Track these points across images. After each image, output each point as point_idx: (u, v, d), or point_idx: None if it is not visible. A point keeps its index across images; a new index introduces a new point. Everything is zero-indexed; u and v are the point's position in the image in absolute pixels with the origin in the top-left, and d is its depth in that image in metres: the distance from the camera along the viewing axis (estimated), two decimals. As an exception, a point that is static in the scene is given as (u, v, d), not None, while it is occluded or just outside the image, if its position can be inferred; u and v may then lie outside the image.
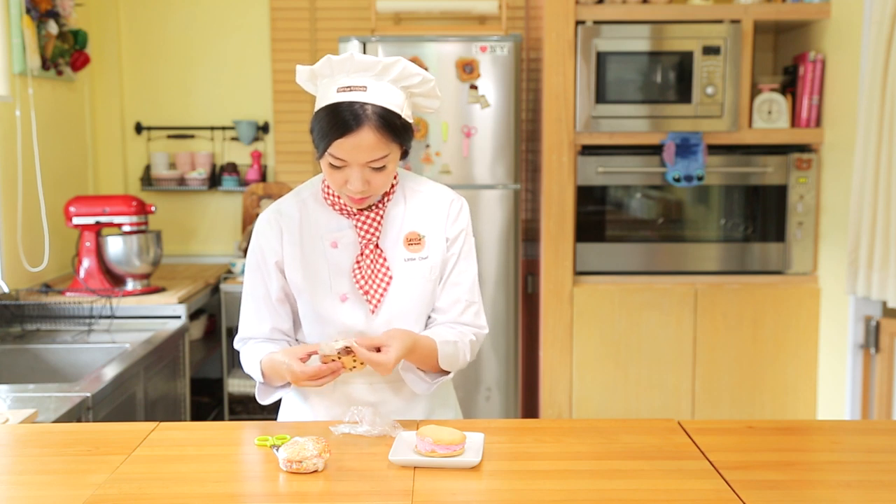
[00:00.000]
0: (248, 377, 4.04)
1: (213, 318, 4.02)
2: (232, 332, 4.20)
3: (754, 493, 1.40)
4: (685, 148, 3.45)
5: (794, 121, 3.55)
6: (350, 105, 1.62)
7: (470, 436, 1.59)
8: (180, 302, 3.26)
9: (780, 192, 3.54)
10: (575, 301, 3.52)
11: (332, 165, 1.67)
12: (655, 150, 3.51)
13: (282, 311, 1.81)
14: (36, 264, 3.37)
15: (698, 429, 1.71)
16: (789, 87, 3.59)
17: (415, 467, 1.50)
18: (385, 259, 1.77)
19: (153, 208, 3.38)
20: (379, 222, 1.76)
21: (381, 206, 1.77)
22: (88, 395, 2.28)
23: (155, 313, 3.22)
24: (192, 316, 3.66)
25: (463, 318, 1.81)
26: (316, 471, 1.48)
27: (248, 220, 4.16)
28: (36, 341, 2.94)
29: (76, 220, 3.27)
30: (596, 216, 3.56)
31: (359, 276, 1.75)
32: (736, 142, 3.51)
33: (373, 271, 1.76)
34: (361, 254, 1.76)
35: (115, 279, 3.35)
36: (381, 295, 1.75)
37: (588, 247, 3.56)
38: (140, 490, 1.42)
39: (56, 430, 1.79)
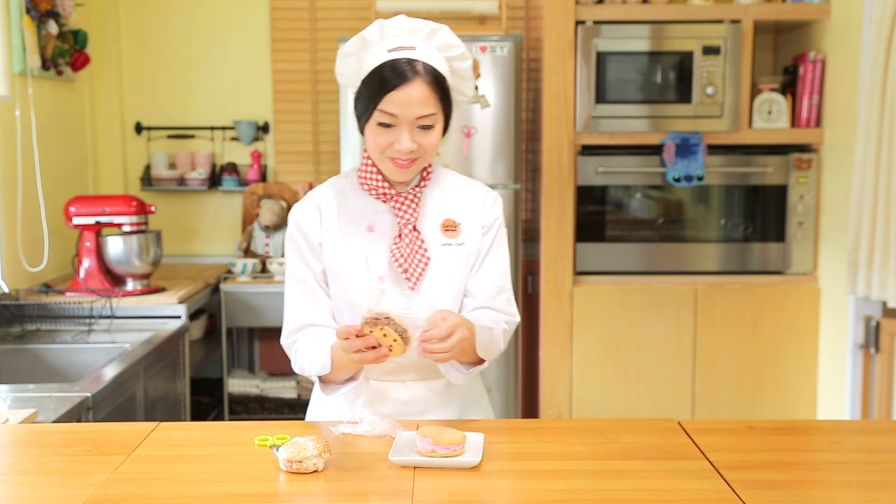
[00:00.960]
0: (249, 377, 4.04)
1: (213, 318, 4.02)
2: (231, 332, 4.21)
3: (754, 493, 1.40)
4: (685, 148, 3.45)
5: (794, 121, 3.55)
6: (401, 60, 1.66)
7: (470, 436, 1.59)
8: (180, 302, 3.26)
9: (780, 192, 3.54)
10: (575, 301, 3.52)
11: (380, 125, 1.68)
12: (655, 150, 3.51)
13: (329, 293, 1.81)
14: (36, 264, 3.37)
15: (698, 429, 1.71)
16: (789, 87, 3.59)
17: (415, 467, 1.50)
18: (423, 241, 1.77)
19: (153, 208, 3.38)
20: (417, 205, 1.77)
21: (417, 189, 1.78)
22: (88, 395, 2.28)
23: (155, 313, 3.22)
24: (192, 316, 3.66)
25: (495, 303, 1.80)
26: (316, 471, 1.48)
27: (248, 220, 4.16)
28: (36, 341, 2.94)
29: (76, 220, 3.27)
30: (596, 216, 3.56)
31: (397, 255, 1.74)
32: (736, 142, 3.51)
33: (411, 251, 1.75)
34: (399, 235, 1.76)
35: (115, 279, 3.35)
36: (420, 274, 1.74)
37: (588, 247, 3.56)
38: (140, 490, 1.42)
39: (56, 430, 1.79)
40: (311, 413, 1.92)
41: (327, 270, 1.79)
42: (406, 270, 1.74)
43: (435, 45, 1.71)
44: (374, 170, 1.77)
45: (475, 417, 1.87)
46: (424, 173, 1.80)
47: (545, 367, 3.54)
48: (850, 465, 1.54)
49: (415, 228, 1.77)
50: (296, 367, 1.80)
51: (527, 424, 1.76)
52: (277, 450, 1.53)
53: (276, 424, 1.74)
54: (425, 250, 1.76)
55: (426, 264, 1.75)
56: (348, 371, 1.71)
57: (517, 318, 1.85)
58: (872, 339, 3.18)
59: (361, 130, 1.74)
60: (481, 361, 1.77)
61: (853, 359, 3.26)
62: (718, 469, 1.50)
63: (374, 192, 1.78)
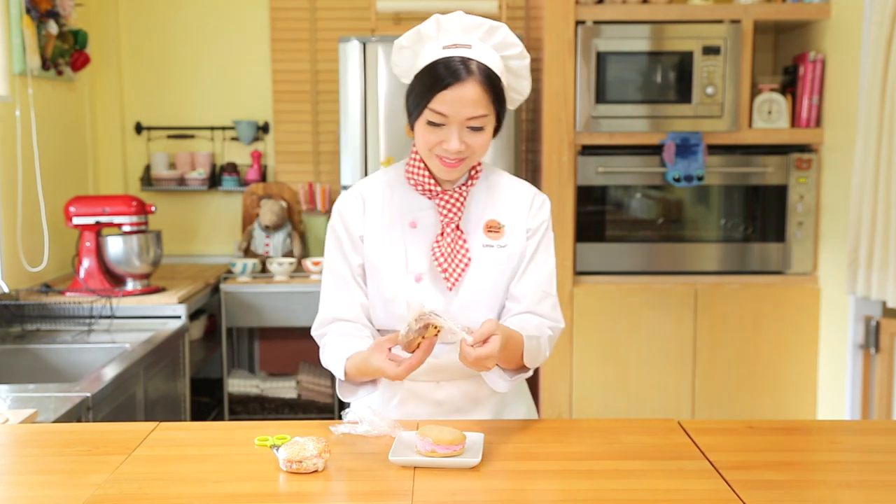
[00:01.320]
0: (249, 377, 4.04)
1: (213, 318, 4.02)
2: (231, 332, 4.21)
3: (754, 493, 1.40)
4: (685, 148, 3.45)
5: (794, 121, 3.55)
6: (456, 59, 1.63)
7: (470, 436, 1.58)
8: (180, 302, 3.26)
9: (780, 192, 3.54)
10: (575, 301, 3.52)
11: (429, 124, 1.65)
12: (655, 150, 3.51)
13: (364, 291, 1.79)
14: (36, 264, 3.36)
15: (698, 429, 1.71)
16: (789, 87, 3.59)
17: (415, 467, 1.50)
18: (465, 241, 1.74)
19: (153, 208, 3.38)
20: (462, 203, 1.74)
21: (464, 188, 1.75)
22: (88, 395, 2.28)
23: (155, 313, 3.22)
24: (192, 316, 3.66)
25: (539, 308, 1.78)
26: (316, 471, 1.48)
27: (248, 220, 4.16)
28: (36, 341, 2.94)
29: (76, 220, 3.27)
30: (596, 216, 3.56)
31: (438, 254, 1.72)
32: (736, 142, 3.51)
33: (452, 250, 1.73)
34: (442, 233, 1.74)
35: (115, 279, 3.35)
36: (460, 274, 1.72)
37: (588, 247, 3.56)
38: (140, 490, 1.42)
39: (56, 430, 1.79)
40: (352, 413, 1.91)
41: (366, 264, 1.77)
42: (445, 270, 1.72)
43: (492, 44, 1.68)
44: (422, 165, 1.74)
45: (514, 417, 1.84)
46: (473, 172, 1.77)
47: (545, 368, 3.54)
48: (850, 465, 1.54)
49: (458, 227, 1.74)
50: (322, 361, 1.79)
51: (527, 424, 1.76)
52: (277, 450, 1.53)
53: (276, 424, 1.74)
54: (466, 250, 1.74)
55: (466, 265, 1.73)
56: (367, 377, 1.70)
57: (562, 325, 1.82)
58: (872, 339, 3.18)
59: (411, 126, 1.71)
60: (525, 368, 1.75)
61: (853, 359, 3.26)
62: (718, 469, 1.50)
63: (419, 187, 1.75)
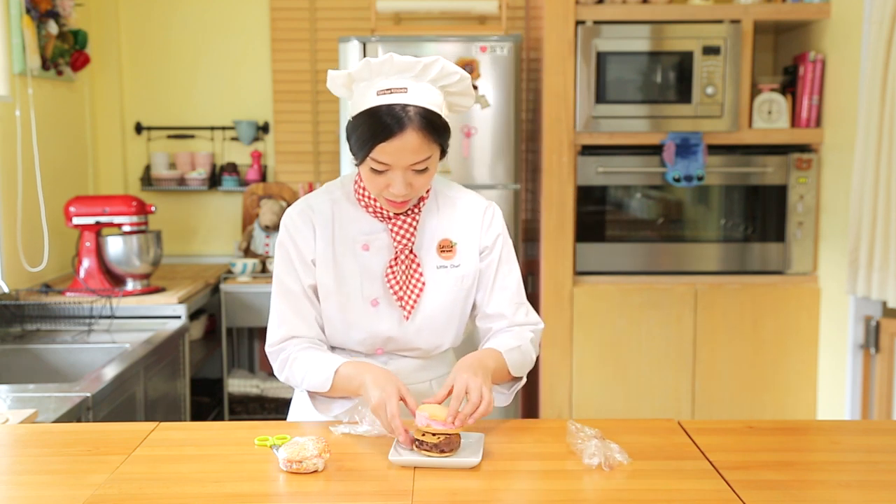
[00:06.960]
0: (249, 377, 4.04)
1: (213, 318, 4.02)
2: (231, 332, 4.21)
3: (754, 493, 1.40)
4: (685, 148, 3.45)
5: (794, 121, 3.55)
6: (392, 108, 1.58)
7: (470, 436, 1.59)
8: (180, 302, 3.26)
9: (780, 192, 3.54)
10: (575, 301, 3.52)
11: (373, 170, 1.62)
12: (655, 150, 3.51)
13: (317, 309, 1.77)
14: (36, 264, 3.36)
15: (698, 429, 1.71)
16: (789, 87, 3.59)
17: (415, 467, 1.50)
18: (419, 265, 1.74)
19: (153, 208, 3.38)
20: (414, 228, 1.73)
21: (415, 211, 1.73)
22: (88, 395, 2.28)
23: (155, 313, 3.22)
24: (192, 316, 3.66)
25: (516, 319, 1.80)
26: (316, 471, 1.48)
27: (248, 220, 4.16)
28: (36, 341, 2.94)
29: (76, 220, 3.27)
30: (596, 216, 3.56)
31: (392, 282, 1.72)
32: (736, 142, 3.51)
33: (407, 276, 1.73)
34: (395, 259, 1.72)
35: (115, 279, 3.35)
36: (415, 301, 1.72)
37: (588, 247, 3.56)
38: (140, 490, 1.42)
39: (56, 430, 1.79)
40: (295, 412, 1.90)
41: (319, 288, 1.75)
42: (401, 298, 1.72)
43: (429, 80, 1.62)
44: None
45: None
46: (423, 193, 1.75)
47: (545, 367, 3.54)
48: (850, 465, 1.54)
49: (411, 252, 1.74)
50: (281, 377, 1.76)
51: (527, 424, 1.76)
52: (277, 450, 1.53)
53: (276, 424, 1.75)
54: (420, 275, 1.74)
55: (421, 290, 1.73)
56: (348, 394, 1.68)
57: (541, 324, 1.83)
58: (872, 339, 3.18)
59: (358, 165, 1.67)
60: (518, 379, 1.77)
61: (853, 359, 3.26)
62: (718, 469, 1.50)
63: (370, 209, 1.73)
